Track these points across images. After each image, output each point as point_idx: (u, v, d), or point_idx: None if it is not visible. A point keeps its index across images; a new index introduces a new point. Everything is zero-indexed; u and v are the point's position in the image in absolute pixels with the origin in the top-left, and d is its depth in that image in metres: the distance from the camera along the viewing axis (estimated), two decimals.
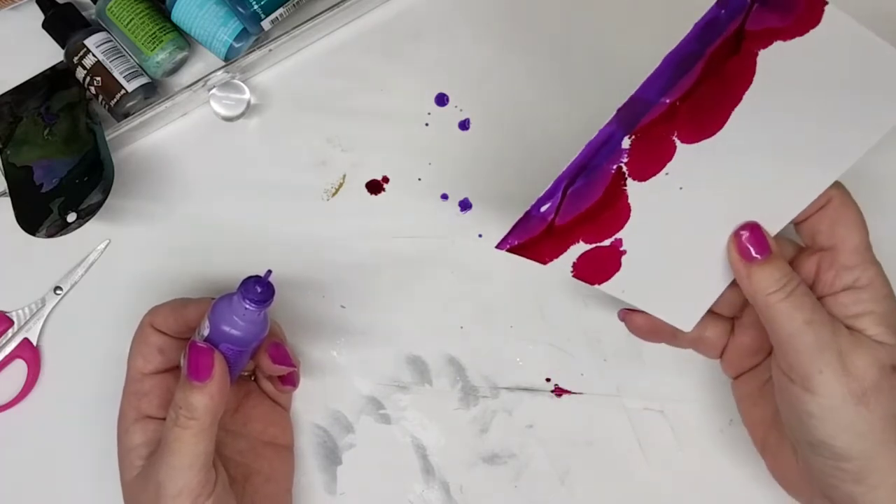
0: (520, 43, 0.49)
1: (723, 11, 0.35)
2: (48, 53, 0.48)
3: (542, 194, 0.38)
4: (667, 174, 0.38)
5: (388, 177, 0.48)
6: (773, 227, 0.39)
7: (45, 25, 0.47)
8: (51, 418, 0.47)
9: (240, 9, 0.44)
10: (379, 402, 0.47)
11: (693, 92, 0.37)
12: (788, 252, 0.40)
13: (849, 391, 0.35)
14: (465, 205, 0.48)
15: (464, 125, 0.48)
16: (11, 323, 0.47)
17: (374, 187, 0.48)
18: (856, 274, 0.37)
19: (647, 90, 0.36)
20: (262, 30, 0.46)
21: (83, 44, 0.46)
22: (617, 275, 0.40)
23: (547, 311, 0.47)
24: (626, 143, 0.37)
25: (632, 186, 0.38)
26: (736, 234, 0.39)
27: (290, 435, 0.45)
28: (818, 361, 0.36)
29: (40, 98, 0.47)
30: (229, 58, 0.47)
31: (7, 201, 0.45)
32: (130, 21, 0.46)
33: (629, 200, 0.39)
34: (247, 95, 0.47)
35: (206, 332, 0.38)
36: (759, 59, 0.36)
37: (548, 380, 0.47)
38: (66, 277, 0.48)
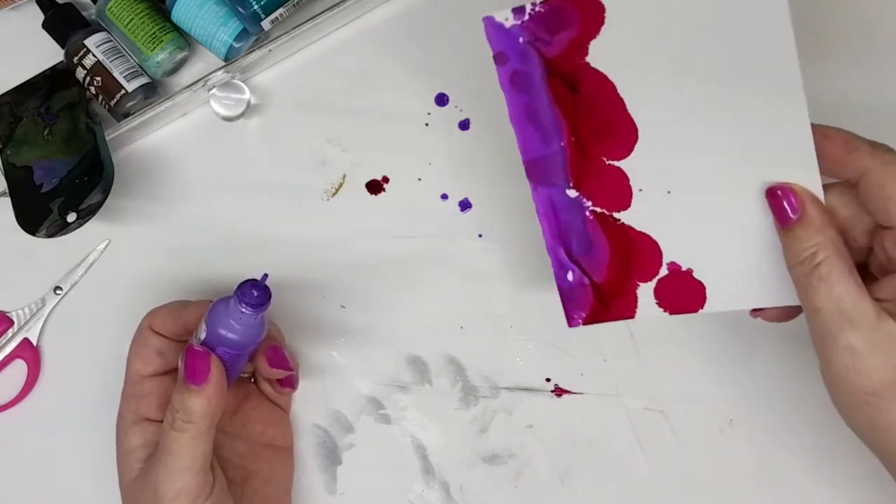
0: None
1: (503, 68, 0.37)
2: (48, 53, 0.48)
3: (553, 269, 0.39)
4: (640, 190, 0.38)
5: (388, 177, 0.48)
6: (793, 176, 0.36)
7: (45, 25, 0.47)
8: (51, 418, 0.47)
9: (240, 9, 0.44)
10: (379, 402, 0.47)
11: (573, 121, 0.37)
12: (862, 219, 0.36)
13: (859, 388, 0.34)
14: (465, 205, 0.48)
15: (464, 125, 0.48)
16: (11, 323, 0.47)
17: (374, 187, 0.48)
18: None
19: (529, 150, 0.38)
20: (262, 30, 0.46)
21: (83, 44, 0.46)
22: (707, 290, 0.39)
23: (547, 311, 0.47)
24: (572, 193, 0.39)
25: (625, 217, 0.39)
26: (766, 196, 0.36)
27: (289, 437, 0.45)
28: (823, 350, 0.34)
29: (40, 98, 0.47)
30: (229, 58, 0.47)
31: (7, 201, 0.45)
32: (130, 21, 0.46)
33: (639, 230, 0.39)
34: (247, 95, 0.47)
35: (203, 336, 0.38)
36: (594, 61, 0.36)
37: (548, 380, 0.47)
38: (66, 277, 0.48)
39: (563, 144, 0.38)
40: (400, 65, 0.49)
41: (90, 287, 0.48)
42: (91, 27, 0.47)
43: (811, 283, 0.34)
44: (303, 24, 0.47)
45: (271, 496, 0.43)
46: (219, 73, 0.47)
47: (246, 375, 0.45)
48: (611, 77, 0.37)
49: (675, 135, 0.37)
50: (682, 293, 0.39)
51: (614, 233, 0.39)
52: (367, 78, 0.49)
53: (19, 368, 0.47)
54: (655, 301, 0.39)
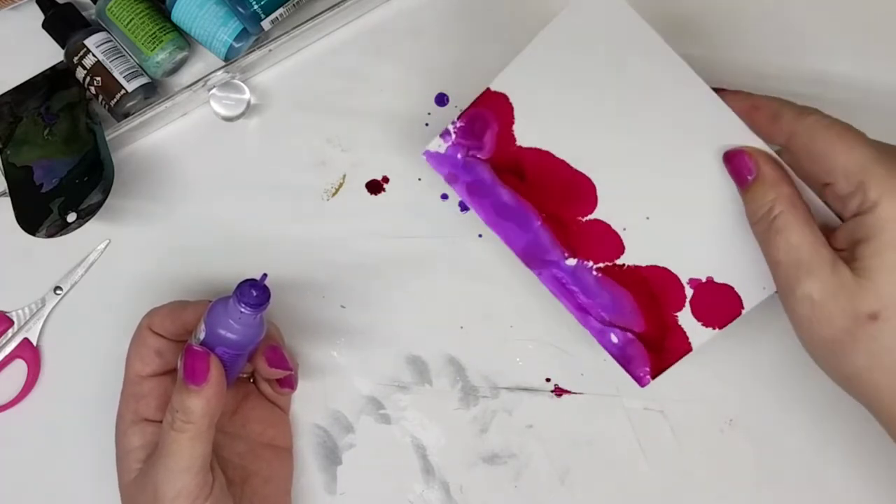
0: (520, 43, 0.49)
1: (457, 185, 0.41)
2: (48, 53, 0.48)
3: (597, 340, 0.41)
4: (625, 229, 0.40)
5: (388, 177, 0.48)
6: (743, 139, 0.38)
7: (45, 25, 0.47)
8: (51, 418, 0.47)
9: (240, 9, 0.44)
10: (379, 402, 0.47)
11: (536, 199, 0.41)
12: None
13: (821, 338, 0.34)
14: (465, 205, 0.48)
15: None
16: (11, 323, 0.47)
17: (374, 187, 0.48)
18: (857, 199, 0.34)
19: (515, 242, 0.41)
20: (262, 30, 0.46)
21: (83, 44, 0.46)
22: (736, 289, 0.40)
23: (547, 311, 0.47)
24: (571, 262, 0.41)
25: (627, 259, 0.40)
26: (724, 163, 0.38)
27: (288, 437, 0.45)
28: (786, 303, 0.35)
29: (40, 98, 0.47)
30: (229, 58, 0.47)
31: (7, 201, 0.45)
32: (130, 21, 0.46)
33: (646, 265, 0.40)
34: (247, 95, 0.47)
35: (202, 336, 0.38)
36: (523, 142, 0.40)
37: (548, 380, 0.47)
38: (66, 277, 0.48)
39: (538, 224, 0.41)
40: (400, 65, 0.49)
41: (90, 287, 0.48)
42: (91, 27, 0.47)
43: (770, 238, 0.35)
44: (303, 24, 0.47)
45: (271, 496, 0.43)
46: (219, 73, 0.47)
47: (245, 375, 0.45)
48: (544, 148, 0.40)
49: (622, 166, 0.40)
50: (718, 303, 0.40)
51: (627, 279, 0.40)
52: (367, 78, 0.49)
53: (19, 368, 0.47)
54: (700, 323, 0.40)
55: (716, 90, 0.38)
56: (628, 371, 0.41)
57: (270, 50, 0.47)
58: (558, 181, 0.40)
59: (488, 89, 0.40)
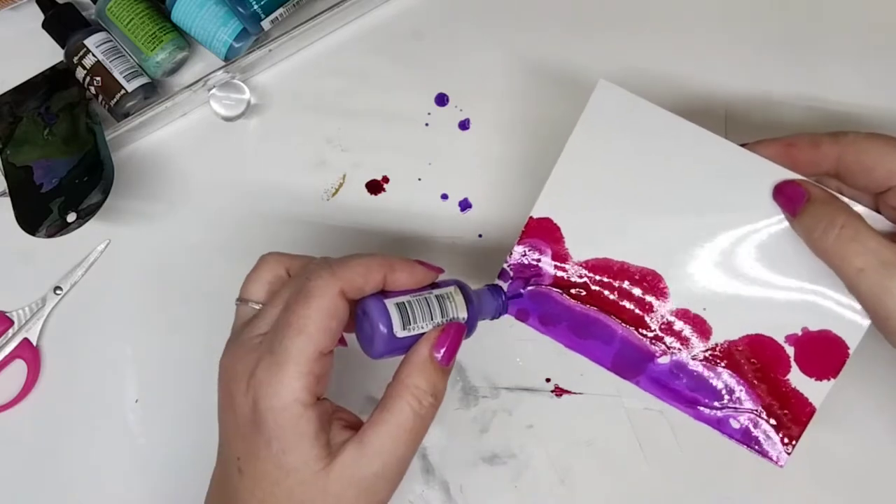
0: (520, 43, 0.49)
1: (530, 321, 0.40)
2: (48, 53, 0.48)
3: (723, 434, 0.39)
4: (705, 309, 0.39)
5: (388, 177, 0.48)
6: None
7: (45, 25, 0.47)
8: (51, 418, 0.47)
9: (240, 9, 0.44)
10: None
11: (611, 310, 0.40)
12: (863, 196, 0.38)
13: None
14: (465, 205, 0.48)
15: (464, 125, 0.48)
16: (11, 323, 0.47)
17: (374, 187, 0.48)
18: None
19: (604, 359, 0.40)
20: (262, 30, 0.46)
21: (83, 44, 0.46)
22: (834, 331, 0.39)
23: None
24: (664, 360, 0.40)
25: (717, 337, 0.39)
26: (775, 199, 0.38)
27: None
28: (880, 306, 0.34)
29: (40, 98, 0.47)
30: (229, 58, 0.47)
31: (7, 201, 0.45)
32: (130, 21, 0.46)
33: (737, 337, 0.39)
34: (247, 95, 0.47)
35: (463, 316, 0.36)
36: (580, 258, 0.40)
37: (548, 380, 0.47)
38: (66, 277, 0.48)
39: (620, 332, 0.40)
40: (400, 65, 0.49)
41: (90, 287, 0.48)
42: (91, 27, 0.47)
43: (843, 248, 0.35)
44: (303, 24, 0.47)
45: None
46: (219, 73, 0.47)
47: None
48: (601, 256, 0.40)
49: (682, 247, 0.39)
50: (820, 352, 0.39)
51: (726, 359, 0.39)
52: (367, 78, 0.49)
53: (19, 368, 0.47)
54: (813, 378, 0.39)
55: (743, 146, 0.38)
56: (760, 453, 0.39)
57: (270, 50, 0.47)
58: (626, 282, 0.40)
59: (531, 218, 0.40)
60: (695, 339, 0.39)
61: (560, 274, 0.40)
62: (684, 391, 0.39)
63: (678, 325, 0.39)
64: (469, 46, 0.49)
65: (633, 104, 0.38)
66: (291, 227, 0.48)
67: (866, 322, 0.38)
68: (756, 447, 0.39)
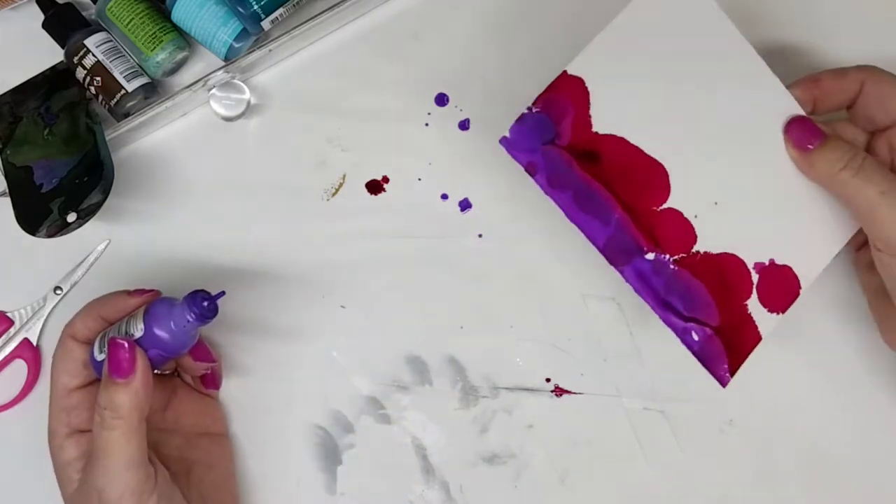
0: (520, 42, 0.49)
1: (538, 176, 0.39)
2: (48, 53, 0.48)
3: (679, 339, 0.40)
4: (696, 216, 0.40)
5: (388, 177, 0.48)
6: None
7: (45, 25, 0.47)
8: None
9: (240, 9, 0.44)
10: (379, 402, 0.47)
11: (613, 189, 0.40)
12: (858, 138, 0.41)
13: None
14: (465, 205, 0.48)
15: (464, 125, 0.48)
16: (11, 323, 0.47)
17: (374, 187, 0.48)
18: None
19: (597, 237, 0.40)
20: (262, 30, 0.46)
21: (83, 44, 0.46)
22: (794, 268, 0.40)
23: (547, 311, 0.47)
24: (650, 256, 0.40)
25: (700, 248, 0.40)
26: (785, 133, 0.40)
27: (222, 422, 0.46)
28: None
29: (40, 98, 0.47)
30: (229, 58, 0.47)
31: (7, 201, 0.45)
32: (130, 21, 0.46)
33: (717, 252, 0.40)
34: (247, 95, 0.47)
35: (137, 334, 0.38)
36: (600, 129, 0.40)
37: (548, 380, 0.47)
38: (66, 277, 0.48)
39: (617, 216, 0.40)
40: (400, 65, 0.49)
41: (90, 287, 0.48)
42: (91, 27, 0.47)
43: (866, 176, 0.38)
44: (303, 24, 0.47)
45: (217, 481, 0.43)
46: (219, 73, 0.47)
47: (168, 371, 0.45)
48: (620, 134, 0.40)
49: (693, 151, 0.40)
50: (778, 286, 0.40)
51: (701, 269, 0.40)
52: (368, 78, 0.49)
53: (19, 368, 0.47)
54: (766, 309, 0.40)
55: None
56: (710, 370, 0.40)
57: (270, 50, 0.47)
58: (633, 168, 0.40)
59: (565, 73, 0.39)
60: (679, 244, 0.40)
61: (576, 139, 0.40)
62: (660, 292, 0.40)
63: (668, 225, 0.40)
64: (469, 46, 0.49)
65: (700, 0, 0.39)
66: (291, 227, 0.48)
67: (822, 266, 0.40)
68: (707, 364, 0.40)
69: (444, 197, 0.48)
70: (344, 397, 0.47)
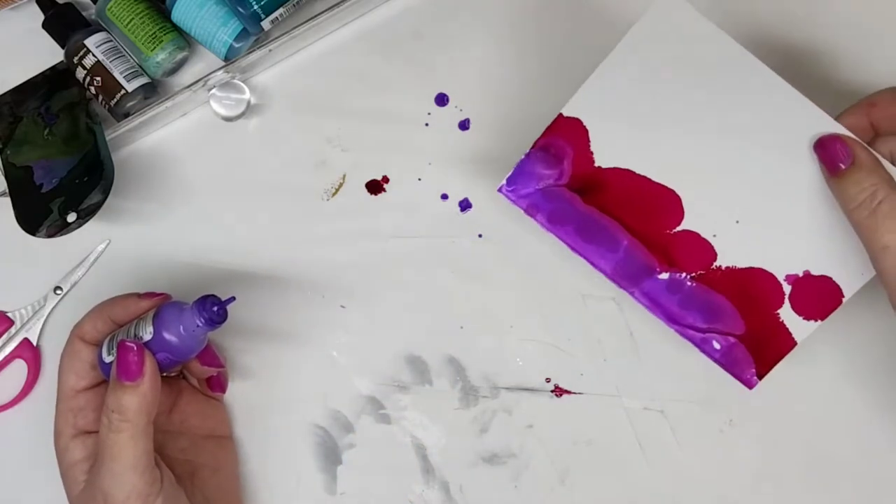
0: (520, 43, 0.49)
1: (538, 216, 0.40)
2: (48, 53, 0.48)
3: (699, 349, 0.40)
4: (715, 235, 0.40)
5: (388, 177, 0.48)
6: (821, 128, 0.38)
7: (45, 25, 0.47)
8: (51, 418, 0.47)
9: (240, 9, 0.44)
10: (379, 402, 0.47)
11: (621, 217, 0.40)
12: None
13: None
14: (465, 205, 0.48)
15: (464, 125, 0.48)
16: (11, 323, 0.47)
17: (374, 187, 0.48)
18: None
19: (604, 265, 0.40)
20: (262, 30, 0.46)
21: (83, 44, 0.46)
22: (834, 278, 0.39)
23: (547, 311, 0.47)
24: (664, 276, 0.40)
25: (721, 263, 0.40)
26: (815, 150, 0.38)
27: (227, 425, 0.46)
28: None
29: (40, 98, 0.47)
30: (229, 58, 0.47)
31: (7, 201, 0.45)
32: (130, 21, 0.46)
33: (741, 267, 0.40)
34: (247, 95, 0.47)
35: (146, 337, 0.38)
36: (602, 163, 0.40)
37: (548, 380, 0.47)
38: (66, 277, 0.48)
39: (626, 242, 0.40)
40: (400, 65, 0.49)
41: (90, 287, 0.48)
42: (91, 27, 0.47)
43: (876, 223, 0.35)
44: (303, 24, 0.47)
45: (222, 484, 0.43)
46: (219, 73, 0.47)
47: (174, 374, 0.45)
48: (624, 166, 0.40)
49: (706, 173, 0.39)
50: (815, 295, 0.40)
51: (722, 284, 0.40)
52: (367, 78, 0.49)
53: (19, 368, 0.47)
54: (801, 317, 0.40)
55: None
56: (734, 375, 0.40)
57: (270, 50, 0.47)
58: (642, 197, 0.40)
59: (560, 115, 0.40)
60: (697, 262, 0.40)
61: (577, 176, 0.40)
62: (675, 308, 0.40)
63: (685, 246, 0.40)
64: (469, 46, 0.49)
65: (695, 23, 0.38)
66: (291, 227, 0.48)
67: (865, 278, 0.39)
68: (730, 369, 0.40)
69: (444, 197, 0.48)
70: (344, 397, 0.47)
